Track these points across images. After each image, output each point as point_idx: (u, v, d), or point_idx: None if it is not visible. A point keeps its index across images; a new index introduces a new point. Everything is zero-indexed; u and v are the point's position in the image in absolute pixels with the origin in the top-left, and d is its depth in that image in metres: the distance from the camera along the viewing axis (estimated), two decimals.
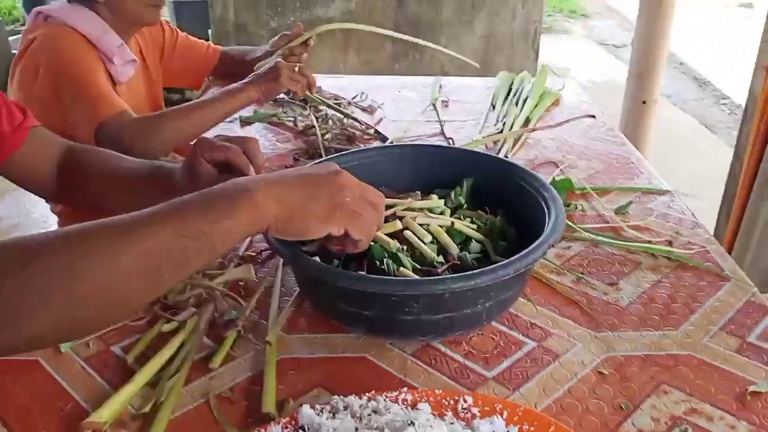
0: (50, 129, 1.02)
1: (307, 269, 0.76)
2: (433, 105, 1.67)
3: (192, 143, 1.02)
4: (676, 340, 0.82)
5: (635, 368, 0.77)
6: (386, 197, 0.93)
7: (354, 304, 0.76)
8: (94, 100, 1.24)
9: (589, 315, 0.86)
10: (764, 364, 0.77)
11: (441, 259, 0.84)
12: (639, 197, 1.19)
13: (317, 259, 0.79)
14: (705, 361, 0.78)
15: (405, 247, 0.85)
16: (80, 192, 1.01)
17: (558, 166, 1.31)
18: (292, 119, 1.55)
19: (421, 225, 0.88)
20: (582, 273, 0.96)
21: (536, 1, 3.16)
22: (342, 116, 1.54)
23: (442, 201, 0.94)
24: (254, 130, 1.52)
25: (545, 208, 0.85)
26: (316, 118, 1.53)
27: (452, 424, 0.63)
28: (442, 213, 0.93)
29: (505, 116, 1.54)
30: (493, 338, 0.82)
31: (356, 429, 0.61)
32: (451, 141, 1.44)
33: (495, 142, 1.40)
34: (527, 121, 1.53)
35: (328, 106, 1.60)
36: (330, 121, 1.52)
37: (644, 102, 2.71)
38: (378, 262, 0.82)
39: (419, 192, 0.97)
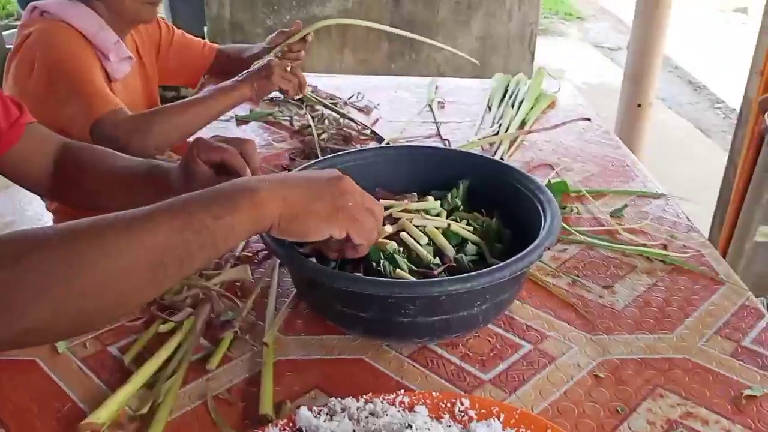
0: (44, 125, 1.02)
1: (304, 270, 0.76)
2: (429, 106, 1.67)
3: (189, 143, 1.02)
4: (672, 344, 0.82)
5: (631, 371, 0.77)
6: (383, 198, 0.94)
7: (350, 306, 0.76)
8: (89, 97, 1.23)
9: (585, 318, 0.87)
10: (759, 368, 0.78)
11: (437, 260, 0.84)
12: (634, 200, 1.20)
13: (313, 260, 0.80)
14: (700, 365, 0.78)
15: (401, 249, 0.85)
16: (76, 189, 1.00)
17: (553, 169, 1.32)
18: (289, 118, 1.55)
19: (417, 227, 0.88)
20: (577, 276, 0.96)
21: (532, 3, 3.17)
22: (338, 116, 1.54)
23: (439, 203, 0.95)
24: (250, 129, 1.52)
25: (541, 211, 0.85)
26: (313, 117, 1.53)
27: (449, 426, 0.63)
28: (438, 215, 0.93)
29: (501, 118, 1.55)
30: (489, 340, 0.82)
31: (354, 431, 0.61)
32: (447, 142, 1.45)
33: (491, 144, 1.40)
34: (523, 123, 1.53)
35: (325, 105, 1.60)
36: (326, 121, 1.52)
37: (639, 105, 2.73)
38: (374, 264, 0.82)
39: (416, 193, 0.97)
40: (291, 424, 0.63)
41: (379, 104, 1.67)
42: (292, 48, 1.46)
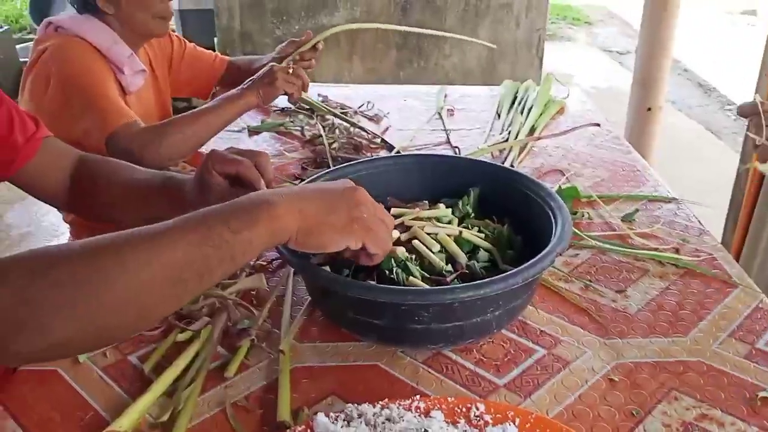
0: (60, 138, 1.03)
1: (318, 279, 0.77)
2: (439, 114, 1.69)
3: (202, 154, 1.03)
4: (685, 347, 0.82)
5: (645, 375, 0.77)
6: (394, 207, 0.95)
7: (364, 314, 0.77)
8: (104, 111, 1.25)
9: (598, 322, 0.87)
10: None
11: (449, 268, 0.85)
12: (645, 205, 1.20)
13: (327, 268, 0.81)
14: (714, 367, 0.79)
15: (414, 257, 0.86)
16: (92, 202, 1.02)
17: (564, 174, 1.32)
18: (300, 128, 1.56)
19: (429, 234, 0.89)
20: (590, 280, 0.96)
21: (540, 8, 3.18)
22: (348, 125, 1.55)
23: (450, 210, 0.95)
24: (262, 140, 1.54)
25: (551, 217, 0.86)
26: (323, 127, 1.54)
27: (465, 431, 0.64)
28: (449, 222, 0.94)
29: (510, 125, 1.56)
30: (503, 346, 0.83)
31: None
32: (456, 150, 1.46)
33: (501, 151, 1.41)
34: (532, 129, 1.54)
35: (335, 115, 1.61)
36: (337, 131, 1.53)
37: (649, 109, 2.73)
38: (387, 272, 0.83)
39: (427, 201, 0.98)
40: (309, 431, 0.64)
41: (388, 113, 1.68)
42: (304, 56, 1.48)
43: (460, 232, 0.90)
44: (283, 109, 1.69)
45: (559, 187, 1.22)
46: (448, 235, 0.89)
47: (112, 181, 0.99)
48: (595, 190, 1.25)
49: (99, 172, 1.01)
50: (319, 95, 1.75)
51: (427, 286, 0.81)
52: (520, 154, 1.41)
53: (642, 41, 2.73)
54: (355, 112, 1.68)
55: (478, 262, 0.87)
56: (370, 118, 1.66)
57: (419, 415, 0.65)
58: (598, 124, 1.55)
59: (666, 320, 0.87)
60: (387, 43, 3.17)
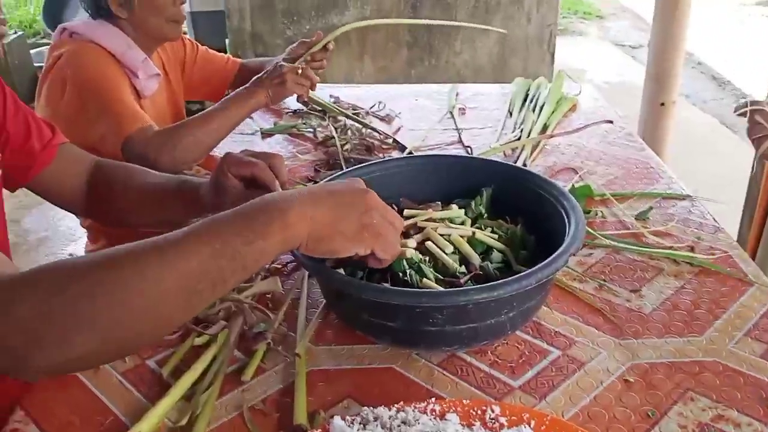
0: (76, 143, 1.05)
1: (332, 282, 0.77)
2: (450, 113, 1.68)
3: (217, 157, 1.04)
4: (701, 347, 0.82)
5: (661, 375, 0.77)
6: (407, 208, 0.95)
7: (379, 316, 0.77)
8: (119, 116, 1.26)
9: (613, 322, 0.87)
10: None
11: (463, 269, 0.85)
12: (659, 203, 1.20)
13: (341, 271, 0.81)
14: (730, 367, 0.78)
15: (427, 258, 0.86)
16: (108, 207, 1.03)
17: (577, 173, 1.32)
18: (312, 130, 1.57)
19: (442, 235, 0.89)
20: (604, 280, 0.96)
21: (551, 4, 3.16)
22: (360, 126, 1.56)
23: (463, 211, 0.96)
24: (275, 142, 1.55)
25: (565, 216, 0.86)
26: (335, 128, 1.54)
27: None
28: (462, 223, 0.94)
29: (522, 123, 1.55)
30: (517, 347, 0.83)
31: None
32: (469, 149, 1.46)
33: (513, 150, 1.41)
34: (545, 127, 1.54)
35: (347, 116, 1.62)
36: (349, 132, 1.54)
37: (662, 104, 2.70)
38: (401, 274, 0.83)
39: (439, 202, 0.98)
40: None
41: (400, 113, 1.69)
42: (315, 57, 1.49)
43: (473, 233, 0.90)
44: (295, 111, 1.70)
45: (572, 185, 1.22)
46: (461, 236, 0.89)
47: (127, 185, 1.01)
48: (608, 188, 1.24)
49: (115, 177, 1.02)
50: (330, 96, 1.76)
51: (441, 288, 0.81)
52: (532, 152, 1.41)
53: (654, 35, 2.70)
54: (367, 113, 1.68)
55: (491, 263, 0.87)
56: (382, 119, 1.66)
57: (434, 418, 0.66)
58: (611, 122, 1.55)
59: (681, 320, 0.87)
60: (398, 41, 3.17)
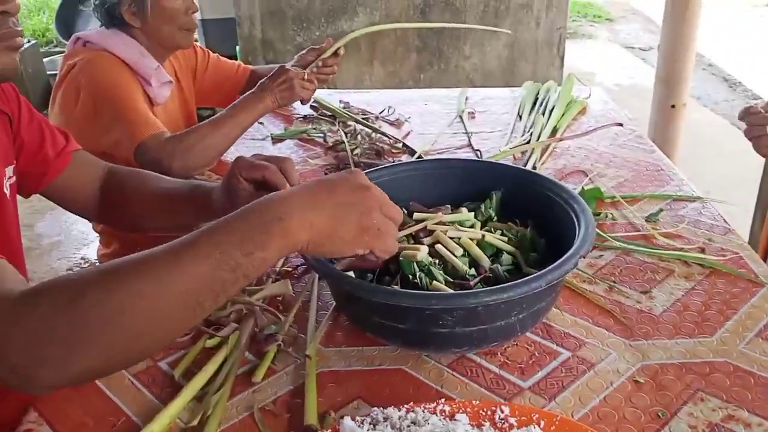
0: (89, 150, 1.06)
1: (342, 284, 0.78)
2: (460, 117, 1.69)
3: (227, 162, 1.05)
4: (712, 347, 0.82)
5: (671, 376, 0.77)
6: (416, 212, 0.96)
7: (389, 318, 0.78)
8: (133, 123, 1.28)
9: (623, 324, 0.87)
10: None
11: (473, 271, 0.86)
12: (670, 204, 1.19)
13: (351, 274, 0.82)
14: (741, 368, 0.78)
15: (437, 261, 0.87)
16: (121, 213, 1.04)
17: (587, 175, 1.32)
18: (322, 135, 1.58)
19: (452, 238, 0.89)
20: (614, 282, 0.96)
21: (560, 7, 3.16)
22: (370, 131, 1.57)
23: (472, 214, 0.96)
24: (285, 147, 1.56)
25: (574, 219, 0.86)
26: (345, 133, 1.55)
27: None
28: (472, 226, 0.94)
29: (532, 126, 1.56)
30: (527, 348, 0.83)
31: None
32: (478, 153, 1.46)
33: (523, 153, 1.41)
34: (554, 130, 1.54)
35: (357, 121, 1.63)
36: (359, 136, 1.55)
37: (673, 106, 2.69)
38: (411, 276, 0.84)
39: (449, 206, 0.99)
40: None
41: (409, 117, 1.69)
42: (326, 62, 1.50)
43: (483, 236, 0.90)
44: (305, 116, 1.71)
45: (582, 188, 1.22)
46: (471, 239, 0.90)
47: (140, 191, 1.02)
48: (618, 190, 1.24)
49: (127, 183, 1.03)
50: (340, 101, 1.77)
51: (451, 291, 0.81)
52: (542, 155, 1.41)
53: (664, 38, 2.70)
54: (377, 118, 1.69)
55: (501, 265, 0.87)
56: (392, 123, 1.67)
57: (444, 419, 0.66)
58: (621, 124, 1.55)
59: (692, 321, 0.87)
60: (407, 46, 3.18)
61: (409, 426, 0.65)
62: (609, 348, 0.82)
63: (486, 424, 0.66)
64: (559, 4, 3.15)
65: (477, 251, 0.88)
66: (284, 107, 1.50)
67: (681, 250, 1.04)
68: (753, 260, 1.01)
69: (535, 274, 0.74)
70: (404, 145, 1.50)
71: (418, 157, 1.42)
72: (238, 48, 3.16)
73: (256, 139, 1.58)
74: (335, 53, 1.51)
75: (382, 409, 0.67)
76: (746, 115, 1.11)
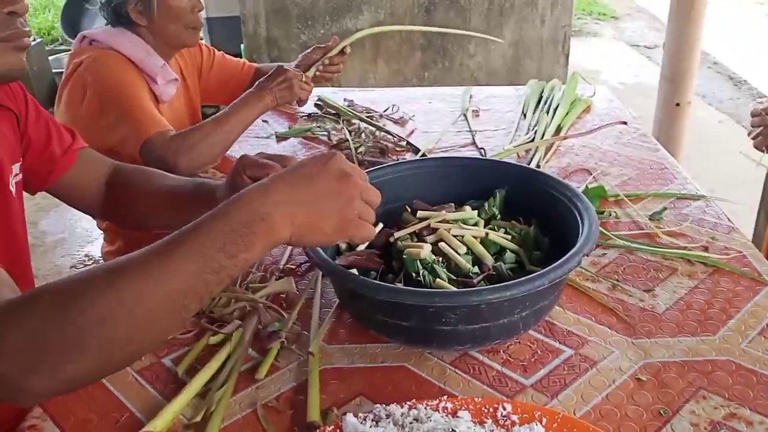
0: (95, 147, 1.07)
1: (346, 282, 0.78)
2: (464, 115, 1.69)
3: (232, 159, 1.05)
4: (714, 346, 0.82)
5: (673, 374, 0.77)
6: (420, 210, 0.96)
7: (392, 316, 0.78)
8: (138, 121, 1.28)
9: (626, 322, 0.87)
10: None
11: (476, 269, 0.86)
12: (673, 203, 1.19)
13: (355, 271, 0.82)
14: (743, 366, 0.78)
15: (440, 259, 0.87)
16: (126, 210, 1.05)
17: (591, 174, 1.32)
18: (326, 133, 1.58)
19: (455, 236, 0.90)
20: (617, 280, 0.96)
21: (565, 5, 3.16)
22: (374, 129, 1.57)
23: (476, 212, 0.96)
24: (289, 145, 1.56)
25: (578, 217, 0.86)
26: (349, 131, 1.56)
27: (493, 431, 0.64)
28: (475, 224, 0.94)
29: (536, 125, 1.55)
30: (530, 346, 0.83)
31: None
32: (482, 151, 1.46)
33: (527, 151, 1.41)
34: (559, 128, 1.54)
35: (361, 119, 1.63)
36: (363, 135, 1.55)
37: (678, 104, 2.69)
38: (414, 274, 0.84)
39: (453, 204, 0.99)
40: (338, 431, 0.65)
41: (414, 115, 1.69)
42: (333, 61, 1.51)
43: (487, 234, 0.91)
44: (309, 114, 1.72)
45: (586, 186, 1.22)
46: (475, 237, 0.90)
47: (145, 189, 1.02)
48: (622, 188, 1.24)
49: (133, 181, 1.04)
50: (344, 99, 1.77)
51: (454, 288, 0.82)
52: (546, 154, 1.41)
53: (669, 36, 2.69)
54: (381, 116, 1.69)
55: (504, 263, 0.87)
56: (396, 121, 1.67)
57: (446, 416, 0.66)
58: (625, 123, 1.54)
59: (694, 319, 0.87)
60: (411, 44, 3.18)
61: (411, 423, 0.65)
62: (611, 346, 0.83)
63: (488, 422, 0.66)
64: (564, 1, 3.14)
65: (480, 249, 0.88)
66: (287, 105, 1.51)
67: (684, 248, 1.03)
68: (756, 259, 1.00)
69: (538, 272, 0.74)
70: (408, 143, 1.50)
71: (422, 156, 1.42)
72: (242, 46, 3.16)
73: (261, 137, 1.58)
74: (341, 51, 1.51)
75: (384, 406, 0.67)
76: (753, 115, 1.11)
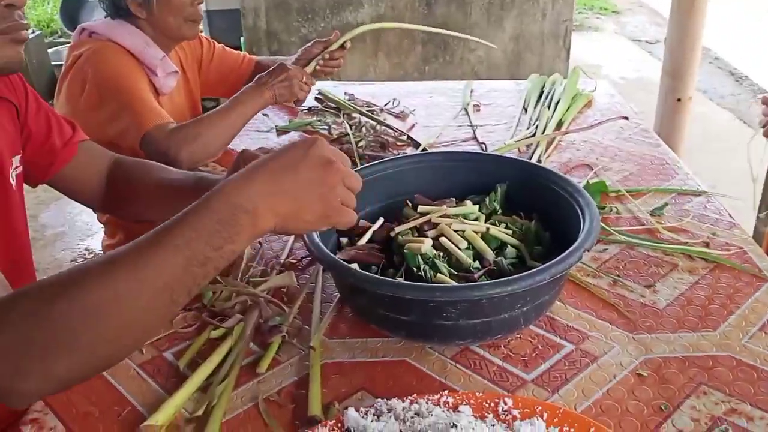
0: (95, 140, 1.06)
1: (347, 276, 0.78)
2: (465, 109, 1.69)
3: (232, 154, 1.05)
4: (715, 341, 0.82)
5: (674, 370, 0.77)
6: (421, 205, 0.96)
7: (393, 310, 0.78)
8: (139, 113, 1.28)
9: (627, 317, 0.87)
10: None
11: (477, 264, 0.86)
12: (675, 198, 1.19)
13: (356, 266, 0.82)
14: (744, 362, 0.78)
15: (441, 254, 0.87)
16: (126, 203, 1.05)
17: (592, 169, 1.32)
18: (327, 127, 1.58)
19: (456, 231, 0.89)
20: (618, 275, 0.96)
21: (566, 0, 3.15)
22: (375, 123, 1.57)
23: (477, 207, 0.96)
24: (289, 139, 1.56)
25: (579, 212, 0.86)
26: (350, 125, 1.55)
27: (494, 426, 0.65)
28: (476, 219, 0.94)
29: (537, 119, 1.55)
30: (531, 341, 0.83)
31: (400, 431, 0.64)
32: (483, 145, 1.46)
33: (528, 146, 1.41)
34: (560, 123, 1.53)
35: (361, 113, 1.62)
36: (363, 129, 1.55)
37: (679, 100, 2.68)
38: (415, 269, 0.84)
39: (454, 199, 0.99)
40: (339, 425, 0.66)
41: (414, 110, 1.69)
42: (333, 55, 1.50)
43: (488, 229, 0.91)
44: (310, 108, 1.71)
45: (587, 182, 1.22)
46: (476, 232, 0.90)
47: (145, 182, 1.02)
48: (623, 184, 1.24)
49: (133, 174, 1.04)
50: (345, 93, 1.76)
51: (455, 283, 0.82)
52: (547, 148, 1.41)
53: (671, 31, 2.68)
54: (381, 110, 1.69)
55: (505, 258, 0.87)
56: (397, 116, 1.66)
57: (448, 410, 0.67)
58: (627, 118, 1.54)
59: (695, 315, 0.87)
60: (412, 38, 3.17)
61: (412, 417, 0.65)
62: (612, 341, 0.83)
63: (489, 416, 0.66)
64: None
65: (481, 244, 0.88)
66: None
67: (685, 244, 1.03)
68: (757, 255, 1.00)
69: (539, 267, 0.74)
70: (409, 137, 1.50)
71: (423, 150, 1.42)
72: (242, 39, 3.15)
73: (261, 131, 1.58)
74: (342, 46, 1.51)
75: (385, 400, 0.67)
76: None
